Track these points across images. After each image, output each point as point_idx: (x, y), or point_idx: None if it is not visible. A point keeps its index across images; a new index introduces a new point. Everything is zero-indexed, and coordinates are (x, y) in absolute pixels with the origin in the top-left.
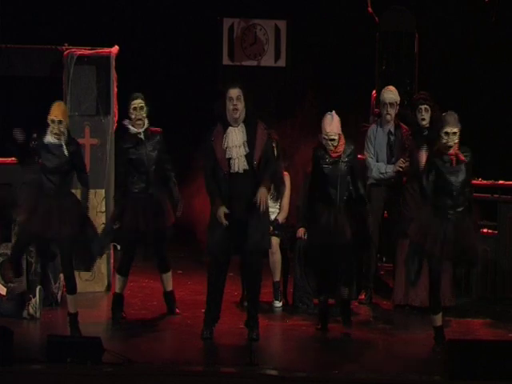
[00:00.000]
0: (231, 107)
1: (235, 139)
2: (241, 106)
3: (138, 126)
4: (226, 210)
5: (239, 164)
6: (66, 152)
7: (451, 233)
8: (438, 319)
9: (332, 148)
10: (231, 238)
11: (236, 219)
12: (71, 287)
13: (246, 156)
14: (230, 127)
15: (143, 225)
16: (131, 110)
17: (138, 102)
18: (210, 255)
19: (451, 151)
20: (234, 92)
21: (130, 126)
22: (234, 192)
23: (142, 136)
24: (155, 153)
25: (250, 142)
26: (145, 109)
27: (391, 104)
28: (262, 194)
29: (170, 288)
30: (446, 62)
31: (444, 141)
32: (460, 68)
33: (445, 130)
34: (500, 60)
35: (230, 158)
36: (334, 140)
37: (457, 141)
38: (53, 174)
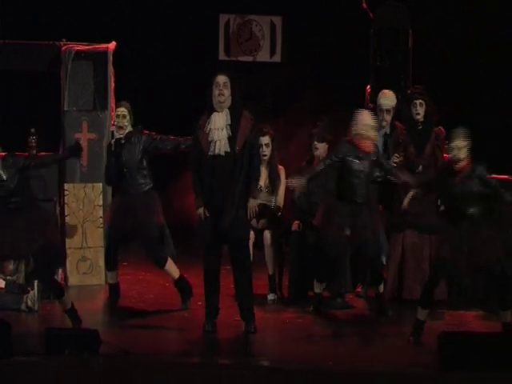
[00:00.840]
0: (217, 92)
1: (218, 122)
2: (227, 92)
3: (118, 134)
4: (207, 213)
5: (220, 146)
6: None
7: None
8: (423, 314)
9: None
10: (215, 225)
11: (217, 206)
12: (56, 292)
13: (229, 139)
14: (215, 112)
15: (127, 224)
16: (115, 117)
17: (122, 110)
18: (199, 240)
19: (460, 165)
20: (222, 78)
21: (115, 131)
22: (216, 175)
23: (122, 141)
24: (137, 154)
25: (234, 126)
26: (127, 117)
27: (387, 110)
28: (252, 206)
29: (175, 276)
30: (440, 58)
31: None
32: (456, 64)
33: (453, 143)
34: (499, 56)
35: (211, 141)
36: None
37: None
38: None
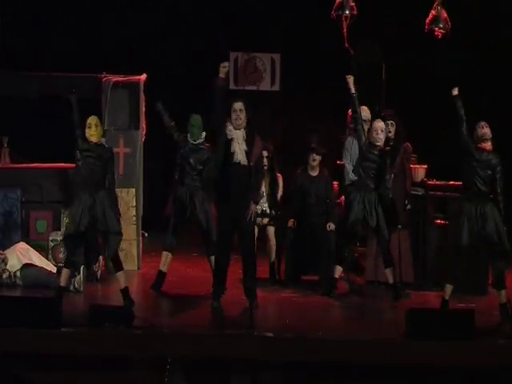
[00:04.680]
0: (234, 117)
1: (238, 138)
2: (243, 116)
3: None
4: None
5: (241, 157)
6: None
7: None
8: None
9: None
10: (232, 214)
11: (234, 202)
12: (119, 267)
13: (246, 152)
14: (235, 130)
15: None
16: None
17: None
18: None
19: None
20: (238, 105)
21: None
22: (234, 180)
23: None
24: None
25: (249, 143)
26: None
27: (364, 121)
28: (253, 209)
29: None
30: (408, 87)
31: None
32: (422, 92)
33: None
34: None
35: (233, 152)
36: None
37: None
38: None
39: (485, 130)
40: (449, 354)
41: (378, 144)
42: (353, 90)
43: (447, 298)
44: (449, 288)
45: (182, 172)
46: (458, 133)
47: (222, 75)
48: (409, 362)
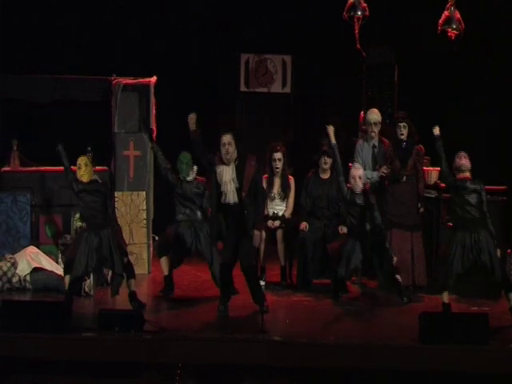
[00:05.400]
0: (224, 151)
1: (226, 176)
2: (231, 149)
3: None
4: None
5: (230, 198)
6: None
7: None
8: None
9: None
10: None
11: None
12: (132, 274)
13: (236, 189)
14: (224, 166)
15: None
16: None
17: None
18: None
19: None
20: (226, 138)
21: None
22: (228, 218)
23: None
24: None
25: (239, 176)
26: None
27: (375, 124)
28: (256, 237)
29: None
30: (421, 89)
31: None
32: (434, 95)
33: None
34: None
35: (222, 191)
36: None
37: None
38: None
39: (463, 160)
40: (463, 359)
41: (357, 192)
42: (333, 141)
43: (447, 301)
44: (445, 294)
45: (182, 207)
46: (440, 168)
47: (191, 127)
48: (422, 367)
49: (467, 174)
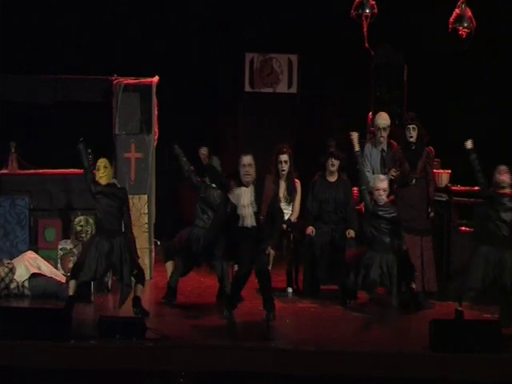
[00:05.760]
0: (243, 172)
1: (244, 199)
2: (251, 171)
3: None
4: None
5: (247, 222)
6: None
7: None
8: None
9: None
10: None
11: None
12: (143, 279)
13: (254, 213)
14: (242, 187)
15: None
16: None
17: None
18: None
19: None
20: (247, 159)
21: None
22: (243, 241)
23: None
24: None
25: (258, 199)
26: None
27: (384, 128)
28: (272, 254)
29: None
30: (431, 89)
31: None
32: (443, 95)
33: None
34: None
35: (239, 214)
36: None
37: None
38: None
39: (504, 176)
40: (474, 367)
41: (380, 204)
42: (357, 148)
43: (460, 308)
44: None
45: (201, 213)
46: (476, 183)
47: (204, 162)
48: (432, 376)
49: (507, 191)
